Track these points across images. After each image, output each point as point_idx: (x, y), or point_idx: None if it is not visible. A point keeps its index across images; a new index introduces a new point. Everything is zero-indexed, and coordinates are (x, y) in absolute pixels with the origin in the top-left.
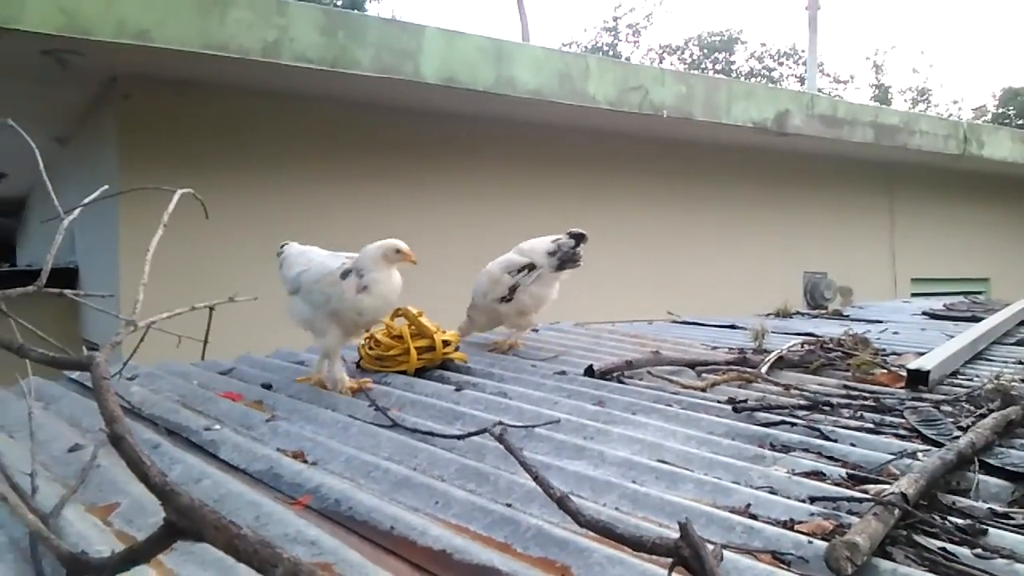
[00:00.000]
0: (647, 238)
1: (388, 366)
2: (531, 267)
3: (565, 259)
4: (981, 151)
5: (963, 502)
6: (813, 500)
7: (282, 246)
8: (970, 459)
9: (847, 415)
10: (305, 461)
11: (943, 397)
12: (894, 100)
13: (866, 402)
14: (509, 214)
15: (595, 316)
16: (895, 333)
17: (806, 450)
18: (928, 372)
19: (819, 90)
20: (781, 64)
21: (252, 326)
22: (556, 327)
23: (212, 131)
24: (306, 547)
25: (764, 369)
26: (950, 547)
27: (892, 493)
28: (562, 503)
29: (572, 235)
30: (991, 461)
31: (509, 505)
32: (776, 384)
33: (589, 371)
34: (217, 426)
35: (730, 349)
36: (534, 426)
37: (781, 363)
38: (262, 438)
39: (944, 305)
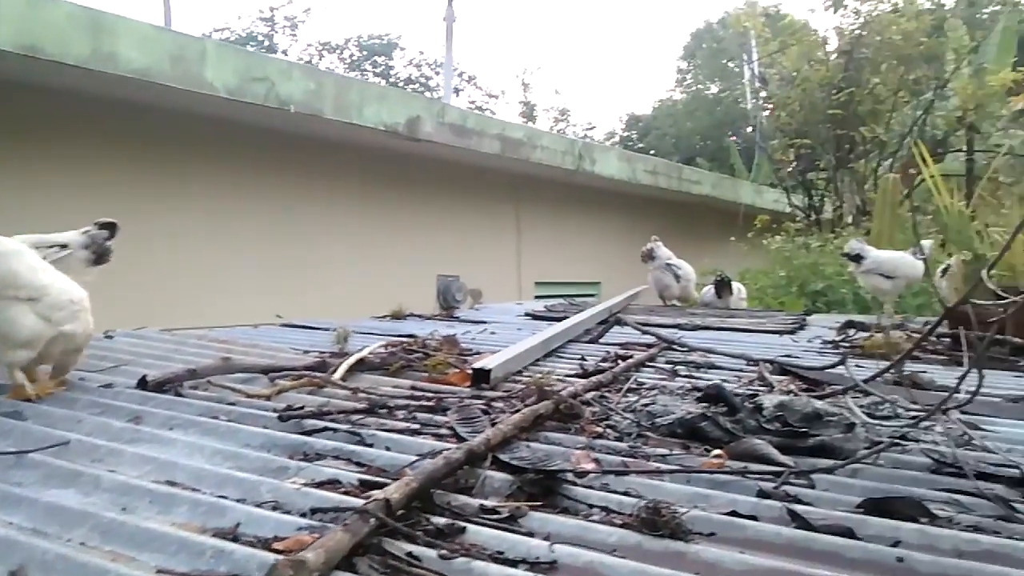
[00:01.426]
0: (278, 238)
1: None
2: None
3: (101, 252)
4: (593, 167)
5: (461, 500)
6: (314, 512)
7: None
8: (484, 456)
9: (401, 417)
10: None
11: (501, 394)
12: (539, 117)
13: (428, 403)
14: (113, 203)
15: (214, 321)
16: (492, 333)
17: (337, 457)
18: (490, 370)
19: (472, 103)
20: (438, 73)
21: None
22: (136, 333)
23: None
24: None
25: (339, 373)
26: (417, 550)
27: (375, 500)
28: None
29: (103, 225)
30: (502, 456)
31: None
32: (346, 388)
33: (142, 382)
34: None
35: (321, 353)
36: (27, 451)
37: (363, 366)
38: None
39: (546, 307)
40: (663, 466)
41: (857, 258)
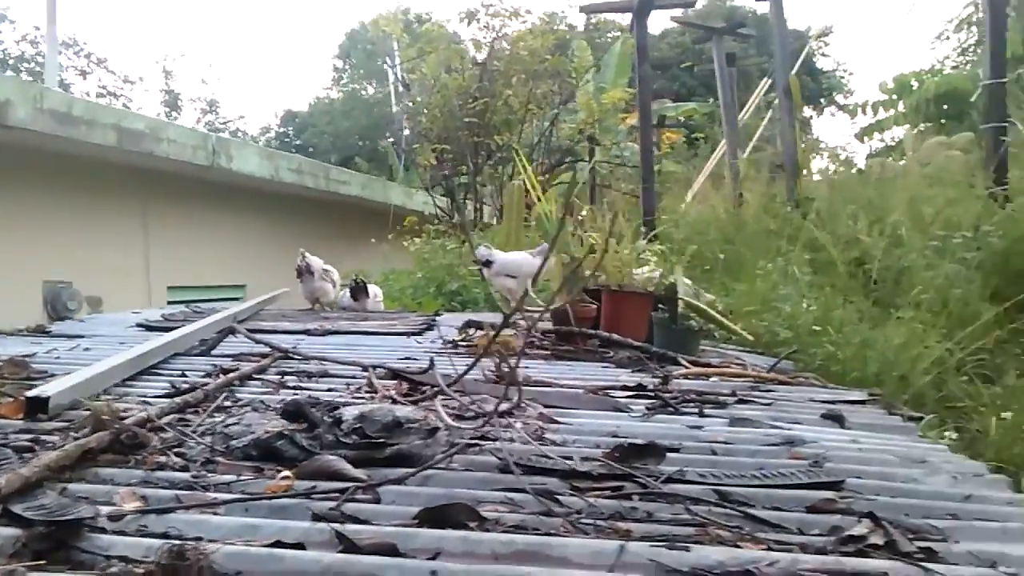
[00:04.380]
0: None
1: None
2: None
3: None
4: (231, 164)
5: None
6: None
7: None
8: None
9: None
10: None
11: (60, 426)
12: (185, 108)
13: None
14: None
15: None
16: (85, 350)
17: None
18: (47, 398)
19: (103, 87)
20: (60, 53)
21: None
22: None
23: None
24: None
25: None
26: None
27: None
28: None
29: None
30: (15, 508)
31: None
32: None
33: None
34: None
35: None
36: None
37: None
38: None
39: (162, 315)
40: (219, 496)
41: (487, 263)
